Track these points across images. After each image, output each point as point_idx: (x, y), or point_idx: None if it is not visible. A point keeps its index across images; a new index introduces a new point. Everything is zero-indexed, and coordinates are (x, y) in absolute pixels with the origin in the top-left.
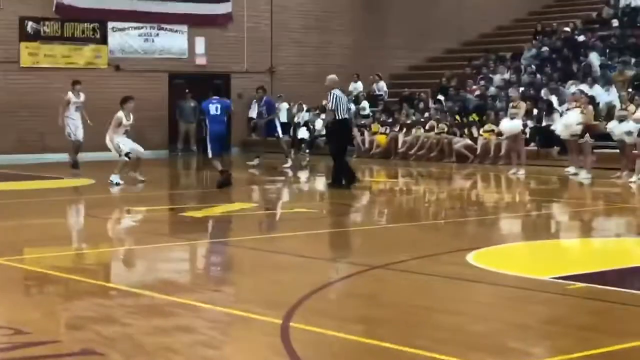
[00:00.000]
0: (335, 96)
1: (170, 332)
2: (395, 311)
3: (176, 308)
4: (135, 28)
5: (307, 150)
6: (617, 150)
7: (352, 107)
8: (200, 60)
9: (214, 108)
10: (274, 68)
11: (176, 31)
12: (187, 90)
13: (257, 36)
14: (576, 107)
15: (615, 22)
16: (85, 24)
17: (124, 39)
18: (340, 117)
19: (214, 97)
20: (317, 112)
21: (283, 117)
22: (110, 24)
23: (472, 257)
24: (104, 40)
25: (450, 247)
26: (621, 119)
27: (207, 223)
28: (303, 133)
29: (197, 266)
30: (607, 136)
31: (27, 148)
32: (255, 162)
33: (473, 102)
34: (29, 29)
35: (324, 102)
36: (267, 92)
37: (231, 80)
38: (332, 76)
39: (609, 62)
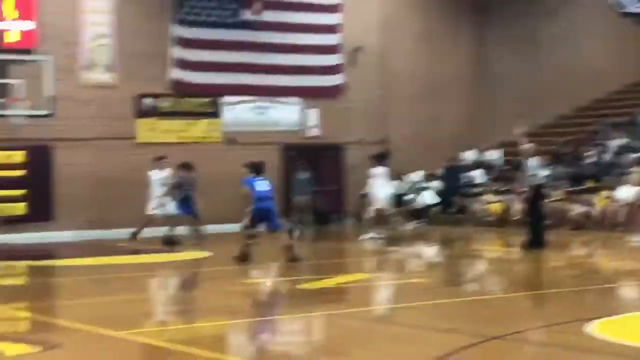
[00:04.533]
0: (532, 164)
1: None
2: None
3: None
4: (248, 102)
5: (424, 219)
6: None
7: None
8: (313, 132)
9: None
10: (386, 138)
11: (289, 104)
12: (301, 162)
13: (369, 107)
14: None
15: None
16: (200, 99)
17: (238, 112)
18: (535, 184)
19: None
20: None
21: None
22: (224, 99)
23: (592, 327)
24: (217, 115)
25: (569, 317)
26: None
27: (322, 294)
28: (428, 199)
29: (312, 338)
30: None
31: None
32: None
33: (588, 168)
34: (144, 105)
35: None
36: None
37: (344, 151)
38: (528, 145)
39: None
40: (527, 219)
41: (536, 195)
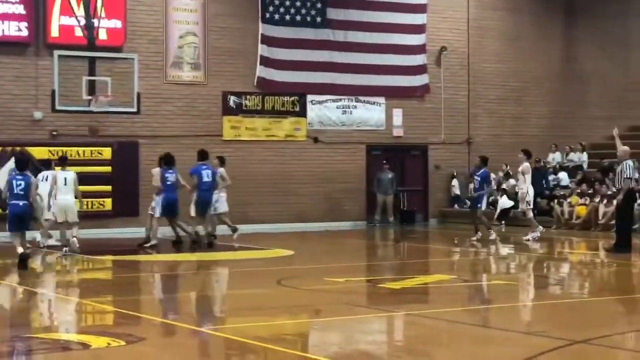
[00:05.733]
0: (629, 166)
1: None
2: None
3: None
4: (334, 100)
5: (503, 222)
6: None
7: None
8: (398, 132)
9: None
10: (471, 139)
11: (374, 103)
12: (384, 162)
13: (453, 107)
14: None
15: None
16: (285, 97)
17: (323, 111)
18: (627, 187)
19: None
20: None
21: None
22: (309, 97)
23: None
24: (303, 113)
25: None
26: None
27: (404, 294)
28: (506, 202)
29: (394, 338)
30: None
31: (230, 219)
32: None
33: None
34: (231, 103)
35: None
36: (486, 163)
37: (428, 151)
38: (625, 148)
39: None
40: (615, 222)
41: (628, 198)
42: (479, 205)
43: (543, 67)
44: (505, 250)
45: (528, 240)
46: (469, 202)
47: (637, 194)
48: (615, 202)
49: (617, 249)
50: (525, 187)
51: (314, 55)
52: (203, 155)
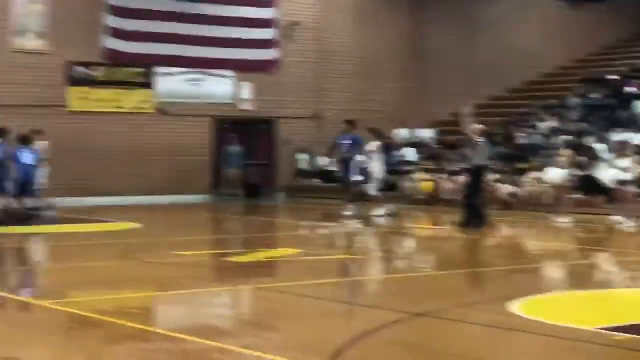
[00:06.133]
0: (480, 144)
1: None
2: None
3: (217, 353)
4: (182, 73)
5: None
6: None
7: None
8: (246, 105)
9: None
10: (319, 113)
11: (222, 76)
12: (232, 135)
13: (302, 82)
14: (623, 155)
15: None
16: (133, 68)
17: (171, 83)
18: (479, 164)
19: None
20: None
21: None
22: (157, 69)
23: (515, 306)
24: (151, 85)
25: (493, 296)
26: None
27: (252, 268)
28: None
29: (240, 311)
30: None
31: (76, 191)
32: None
33: (518, 149)
34: (77, 73)
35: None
36: (355, 126)
37: (276, 125)
38: (477, 125)
39: None
40: (465, 198)
41: (479, 175)
42: (351, 174)
43: (392, 44)
44: (353, 225)
45: (375, 216)
46: (339, 172)
47: (485, 172)
48: (464, 178)
49: (468, 224)
50: (374, 165)
51: (163, 26)
52: (23, 139)
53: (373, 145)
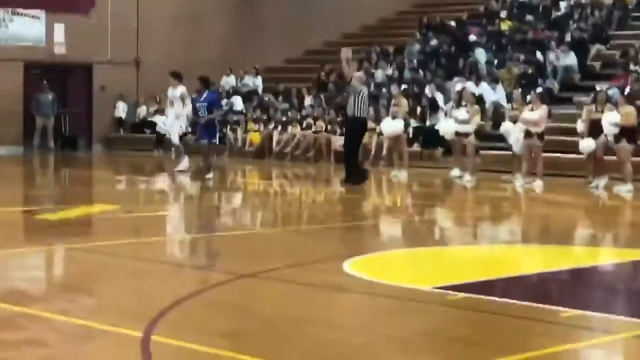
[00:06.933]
0: (363, 95)
1: (19, 346)
2: (265, 323)
3: (25, 320)
4: None
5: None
6: (509, 152)
7: None
8: (59, 49)
9: None
10: (139, 59)
11: (33, 16)
12: (44, 82)
13: (122, 25)
14: (463, 105)
15: (503, 16)
16: None
17: None
18: (360, 115)
19: None
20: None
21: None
22: None
23: (348, 265)
24: None
25: (326, 255)
26: (514, 120)
27: (62, 226)
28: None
29: (50, 274)
30: (494, 137)
31: None
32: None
33: None
34: None
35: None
36: (212, 84)
37: (93, 71)
38: (359, 73)
39: (496, 59)
40: (345, 153)
41: (360, 128)
42: (212, 138)
43: None
44: (178, 180)
45: (181, 171)
46: (196, 133)
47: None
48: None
49: (347, 181)
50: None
51: None
52: None
53: (177, 91)
